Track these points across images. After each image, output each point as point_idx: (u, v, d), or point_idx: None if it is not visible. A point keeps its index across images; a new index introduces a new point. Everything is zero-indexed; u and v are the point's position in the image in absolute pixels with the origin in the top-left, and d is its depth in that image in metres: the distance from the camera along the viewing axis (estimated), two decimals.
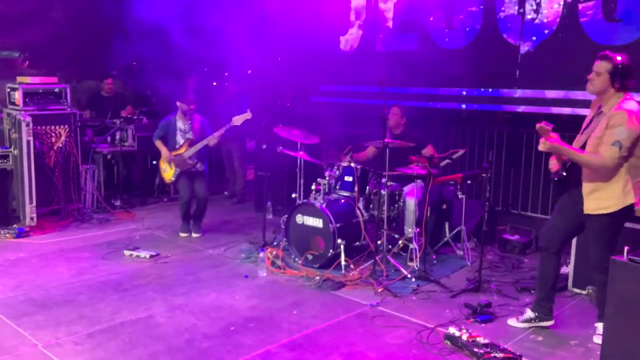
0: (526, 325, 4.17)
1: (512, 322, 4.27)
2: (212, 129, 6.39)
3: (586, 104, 5.97)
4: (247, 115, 6.16)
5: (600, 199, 3.80)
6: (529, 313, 4.21)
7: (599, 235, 3.91)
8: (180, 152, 6.30)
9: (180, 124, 6.39)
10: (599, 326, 4.00)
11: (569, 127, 4.81)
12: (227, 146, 8.07)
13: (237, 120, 6.17)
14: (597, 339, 3.91)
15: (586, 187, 3.85)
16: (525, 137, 6.98)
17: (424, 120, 7.03)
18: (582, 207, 3.87)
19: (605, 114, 3.76)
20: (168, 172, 6.40)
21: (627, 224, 4.55)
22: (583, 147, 3.83)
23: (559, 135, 3.80)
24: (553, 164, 4.01)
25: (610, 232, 3.88)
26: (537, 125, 3.75)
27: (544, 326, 4.18)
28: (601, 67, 3.77)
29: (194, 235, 6.47)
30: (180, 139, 6.37)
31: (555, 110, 6.20)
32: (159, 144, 6.43)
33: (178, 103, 6.36)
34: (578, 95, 5.97)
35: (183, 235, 6.45)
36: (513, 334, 4.10)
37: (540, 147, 3.78)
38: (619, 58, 3.74)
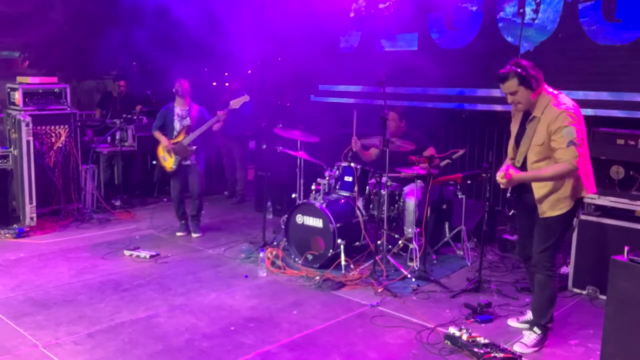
0: (526, 326, 4.15)
1: (512, 322, 4.27)
2: (211, 117, 6.28)
3: (586, 103, 5.99)
4: (245, 98, 6.12)
5: (553, 202, 3.71)
6: (530, 315, 4.19)
7: (544, 231, 3.79)
8: (178, 140, 6.18)
9: (177, 110, 6.26)
10: (525, 333, 3.92)
11: None
12: (228, 146, 8.08)
13: (235, 103, 6.12)
14: (517, 346, 3.83)
15: (537, 192, 3.74)
16: None
17: (424, 120, 7.02)
18: (535, 212, 3.78)
19: (539, 118, 3.64)
20: (169, 161, 6.26)
21: (627, 224, 4.58)
22: (524, 158, 3.72)
23: None
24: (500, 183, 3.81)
25: (559, 229, 3.79)
26: (498, 177, 3.64)
27: None
28: (508, 86, 3.66)
29: (194, 235, 6.44)
30: (177, 125, 6.24)
31: None
32: (157, 134, 6.31)
33: (173, 89, 6.27)
34: (579, 95, 5.98)
35: (179, 234, 6.44)
36: (513, 334, 4.09)
37: (504, 185, 3.63)
38: (514, 66, 3.65)
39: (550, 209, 3.74)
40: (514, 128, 3.92)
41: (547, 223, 3.77)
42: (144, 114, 8.17)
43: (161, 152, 6.34)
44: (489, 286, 4.97)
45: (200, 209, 6.53)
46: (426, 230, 5.27)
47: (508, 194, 3.90)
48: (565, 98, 3.67)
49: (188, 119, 6.25)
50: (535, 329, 3.89)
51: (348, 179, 5.67)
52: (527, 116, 3.77)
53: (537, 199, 3.76)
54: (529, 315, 4.19)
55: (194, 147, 6.22)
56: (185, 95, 6.24)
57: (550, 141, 3.59)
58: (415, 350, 3.85)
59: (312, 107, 8.64)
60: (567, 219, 3.79)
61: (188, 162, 6.28)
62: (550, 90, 3.71)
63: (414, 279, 5.09)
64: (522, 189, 3.83)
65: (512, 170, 3.63)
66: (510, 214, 4.19)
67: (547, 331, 3.93)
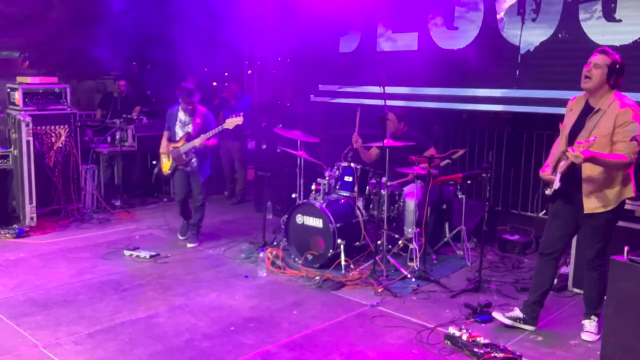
0: (510, 322, 4.16)
1: (497, 315, 4.23)
2: (215, 125, 6.05)
3: None
4: (239, 120, 5.75)
5: (601, 198, 3.80)
6: (517, 312, 4.20)
7: (597, 233, 3.91)
8: (177, 146, 6.01)
9: (181, 115, 6.05)
10: (586, 323, 4.08)
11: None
12: (226, 146, 8.07)
13: (229, 123, 5.76)
14: (585, 336, 4.02)
15: (586, 187, 3.83)
16: (525, 137, 6.98)
17: (424, 120, 7.03)
18: (579, 208, 3.87)
19: (605, 111, 3.74)
20: (165, 164, 6.18)
21: (627, 224, 4.58)
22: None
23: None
24: (550, 180, 3.88)
25: (609, 228, 3.91)
26: (579, 145, 3.54)
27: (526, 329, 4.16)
28: (600, 60, 3.76)
29: (189, 245, 6.12)
30: (179, 131, 6.05)
31: (555, 110, 6.19)
32: (164, 134, 6.19)
33: (180, 99, 6.06)
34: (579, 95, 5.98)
35: (180, 237, 6.35)
36: (513, 334, 4.09)
37: (579, 160, 3.52)
38: (617, 56, 3.78)
39: (594, 206, 3.81)
40: (569, 122, 3.96)
41: (599, 223, 3.85)
42: (144, 114, 8.17)
43: (161, 154, 6.25)
44: (489, 286, 4.97)
45: (201, 219, 6.27)
46: (426, 230, 5.27)
47: (551, 189, 3.88)
48: (630, 99, 3.79)
49: (190, 125, 6.01)
50: (593, 317, 4.05)
51: (348, 179, 5.67)
52: (587, 111, 3.84)
53: (586, 193, 3.82)
54: (516, 313, 4.19)
55: (191, 157, 5.98)
56: (189, 102, 5.95)
57: (613, 134, 3.68)
58: (415, 350, 3.85)
59: (312, 107, 8.64)
60: (615, 217, 3.90)
61: (189, 169, 6.08)
62: (626, 97, 3.82)
63: (414, 279, 5.09)
64: (571, 183, 3.85)
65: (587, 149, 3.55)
66: (542, 213, 4.18)
67: (599, 317, 4.04)
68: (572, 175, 3.84)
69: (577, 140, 3.66)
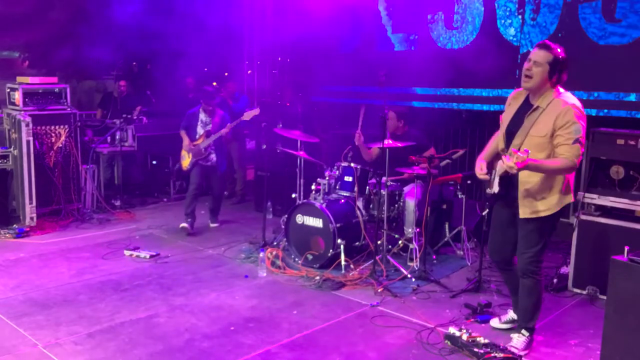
0: (509, 326, 4.09)
1: (494, 323, 4.14)
2: (230, 122, 6.57)
3: (586, 103, 5.99)
4: (255, 111, 6.39)
5: (537, 204, 3.58)
6: (512, 314, 4.13)
7: (532, 238, 3.67)
8: (198, 143, 6.51)
9: (202, 116, 6.61)
10: (514, 337, 3.85)
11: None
12: (226, 146, 8.06)
13: (247, 115, 6.36)
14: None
15: (522, 192, 3.60)
16: None
17: (424, 120, 7.02)
18: (516, 212, 3.66)
19: (544, 109, 3.51)
20: (185, 160, 6.61)
21: (627, 224, 4.58)
22: (518, 148, 3.45)
23: None
24: (485, 179, 3.72)
25: (545, 235, 3.67)
26: (514, 154, 3.25)
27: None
28: (540, 57, 3.49)
29: (211, 225, 6.81)
30: (200, 130, 6.57)
31: None
32: (182, 134, 6.65)
33: (202, 102, 6.60)
34: (579, 95, 5.97)
35: (182, 225, 6.48)
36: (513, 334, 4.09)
37: (513, 170, 3.27)
38: (559, 50, 3.52)
39: (533, 211, 3.59)
40: (507, 118, 3.74)
41: (534, 230, 3.63)
42: (144, 114, 8.17)
43: (183, 151, 6.65)
44: (489, 286, 4.97)
45: (220, 206, 6.89)
46: (426, 230, 5.27)
47: (492, 190, 3.72)
48: (572, 97, 3.56)
49: (210, 125, 6.56)
50: (524, 331, 3.83)
51: (348, 179, 5.68)
52: (526, 108, 3.62)
53: (522, 198, 3.60)
54: (511, 316, 4.13)
55: (210, 150, 6.53)
56: (210, 104, 6.56)
57: (554, 135, 3.46)
58: (415, 350, 3.85)
59: (312, 107, 8.64)
60: (553, 224, 3.68)
61: (209, 163, 6.56)
62: (568, 94, 3.59)
63: (414, 279, 5.09)
64: (510, 184, 3.65)
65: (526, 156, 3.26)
66: (483, 213, 4.08)
67: (534, 332, 3.88)
68: (509, 179, 3.62)
69: (512, 148, 3.42)
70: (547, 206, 3.59)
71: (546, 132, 3.49)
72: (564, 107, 3.45)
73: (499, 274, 5.29)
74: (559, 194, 3.59)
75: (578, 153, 3.43)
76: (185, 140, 6.60)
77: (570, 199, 3.64)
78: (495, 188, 3.69)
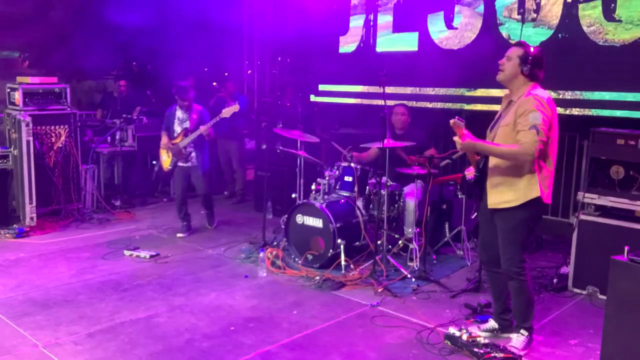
0: (488, 334, 3.99)
1: (473, 329, 3.99)
2: (210, 120, 6.32)
3: (586, 103, 5.99)
4: (235, 107, 6.14)
5: (503, 192, 3.63)
6: (492, 323, 4.07)
7: (505, 232, 3.69)
8: (177, 142, 6.33)
9: (179, 113, 6.41)
10: (513, 337, 3.83)
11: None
12: (225, 146, 8.06)
13: (226, 112, 6.13)
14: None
15: (491, 180, 3.67)
16: None
17: (424, 120, 7.02)
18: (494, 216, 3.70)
19: (515, 102, 3.64)
20: (165, 160, 6.47)
21: (627, 224, 4.58)
22: (491, 140, 3.69)
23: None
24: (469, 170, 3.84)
25: (521, 232, 3.67)
26: (451, 121, 3.57)
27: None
28: (512, 52, 3.68)
29: (208, 226, 6.76)
30: (177, 128, 6.37)
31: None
32: (162, 134, 6.51)
33: (176, 97, 6.40)
34: (579, 95, 5.98)
35: (179, 235, 6.43)
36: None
37: (458, 145, 3.57)
38: (532, 49, 3.66)
39: (496, 200, 3.65)
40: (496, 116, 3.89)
41: (507, 224, 3.65)
42: (144, 114, 8.17)
43: (161, 151, 6.49)
44: (489, 286, 4.95)
45: (209, 207, 6.73)
46: (426, 230, 5.27)
47: (469, 174, 3.83)
48: (542, 91, 3.65)
49: (187, 122, 6.33)
50: (522, 331, 3.84)
51: (348, 179, 5.68)
52: (508, 104, 3.77)
53: (491, 186, 3.68)
54: (491, 324, 4.06)
55: (190, 151, 6.31)
56: (185, 99, 6.32)
57: (515, 123, 3.55)
58: (415, 350, 3.85)
59: (312, 107, 8.64)
60: (526, 219, 3.65)
61: (189, 164, 6.38)
62: (538, 85, 3.68)
63: (414, 279, 5.09)
64: (482, 177, 3.75)
65: (467, 133, 3.56)
66: (473, 216, 4.09)
67: (533, 331, 3.88)
68: (481, 167, 3.72)
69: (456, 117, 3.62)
70: (515, 196, 3.61)
71: (509, 122, 3.60)
72: (526, 97, 3.57)
73: None
74: (526, 183, 3.59)
75: (535, 139, 3.46)
76: (164, 139, 6.45)
77: (536, 192, 3.58)
78: (471, 173, 3.79)
